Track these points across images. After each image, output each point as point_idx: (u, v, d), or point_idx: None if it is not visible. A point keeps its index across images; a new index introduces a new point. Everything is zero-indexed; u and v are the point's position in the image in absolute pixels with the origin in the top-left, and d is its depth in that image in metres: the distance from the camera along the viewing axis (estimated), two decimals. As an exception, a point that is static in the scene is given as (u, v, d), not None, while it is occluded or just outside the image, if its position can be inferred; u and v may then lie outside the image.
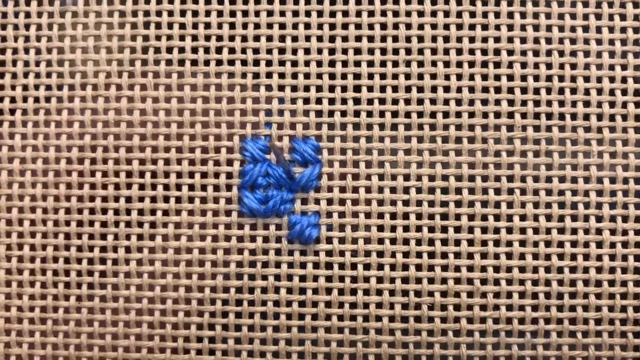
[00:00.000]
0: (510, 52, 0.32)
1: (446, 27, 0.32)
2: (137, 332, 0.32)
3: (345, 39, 0.32)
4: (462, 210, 0.31)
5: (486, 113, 0.32)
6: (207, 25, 0.33)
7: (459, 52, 0.32)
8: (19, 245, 0.33)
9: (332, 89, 0.32)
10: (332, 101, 0.32)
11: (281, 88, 0.32)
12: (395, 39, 0.32)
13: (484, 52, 0.32)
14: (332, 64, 0.32)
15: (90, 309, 0.32)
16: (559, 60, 0.32)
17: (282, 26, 0.32)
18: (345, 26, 0.32)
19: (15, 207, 0.33)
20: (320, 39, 0.32)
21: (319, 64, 0.32)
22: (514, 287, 0.31)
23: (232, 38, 0.32)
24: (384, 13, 0.32)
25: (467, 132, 0.32)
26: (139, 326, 0.32)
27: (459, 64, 0.32)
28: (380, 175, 0.32)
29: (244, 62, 0.32)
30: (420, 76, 0.32)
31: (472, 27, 0.32)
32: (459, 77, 0.32)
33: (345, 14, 0.32)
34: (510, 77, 0.32)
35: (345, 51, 0.32)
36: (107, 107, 0.33)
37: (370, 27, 0.32)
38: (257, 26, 0.32)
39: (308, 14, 0.32)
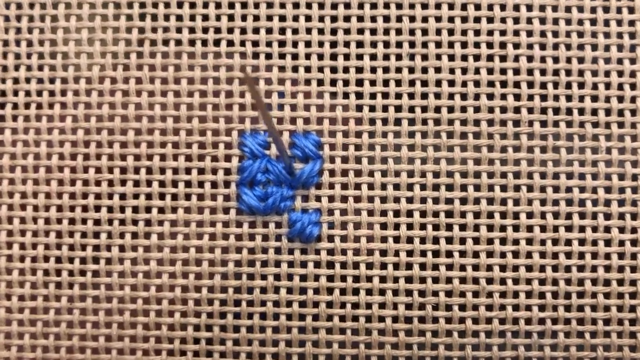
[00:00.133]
0: (517, 46, 0.31)
1: (451, 19, 0.31)
2: (131, 333, 0.31)
3: (347, 31, 0.31)
4: (468, 208, 0.31)
5: (492, 108, 0.31)
6: (205, 17, 0.32)
7: (464, 45, 0.31)
8: (8, 243, 0.31)
9: (333, 82, 0.31)
10: (333, 95, 0.31)
11: (281, 82, 0.31)
12: (399, 31, 0.31)
13: (490, 45, 0.31)
14: (333, 57, 0.31)
15: (83, 310, 0.31)
16: (566, 54, 0.31)
17: (282, 18, 0.31)
18: (347, 18, 0.31)
19: (4, 204, 0.31)
20: (321, 31, 0.31)
21: (320, 57, 0.31)
22: (521, 287, 0.30)
23: (230, 30, 0.32)
24: (387, 5, 0.31)
25: (472, 127, 0.31)
26: (134, 327, 0.31)
27: (464, 58, 0.31)
28: (383, 171, 0.31)
29: (242, 55, 0.31)
30: (425, 70, 0.31)
31: (477, 19, 0.31)
32: (464, 70, 0.31)
33: (348, 6, 0.31)
34: (517, 71, 0.31)
35: (347, 44, 0.31)
36: (101, 101, 0.32)
37: (373, 19, 0.31)
38: (256, 18, 0.32)
39: (309, 6, 0.31)
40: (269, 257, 0.31)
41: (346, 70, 0.31)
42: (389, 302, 0.30)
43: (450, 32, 0.31)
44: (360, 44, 0.31)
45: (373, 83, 0.31)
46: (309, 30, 0.31)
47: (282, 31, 0.32)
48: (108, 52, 0.32)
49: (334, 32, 0.31)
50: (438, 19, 0.31)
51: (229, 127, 0.31)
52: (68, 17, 0.32)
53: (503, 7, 0.31)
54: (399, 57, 0.31)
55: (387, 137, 0.31)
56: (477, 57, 0.31)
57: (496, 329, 0.30)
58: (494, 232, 0.31)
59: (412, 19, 0.31)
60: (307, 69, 0.31)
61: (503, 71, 0.31)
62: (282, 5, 0.32)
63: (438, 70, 0.31)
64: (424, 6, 0.31)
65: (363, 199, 0.31)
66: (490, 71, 0.31)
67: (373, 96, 0.31)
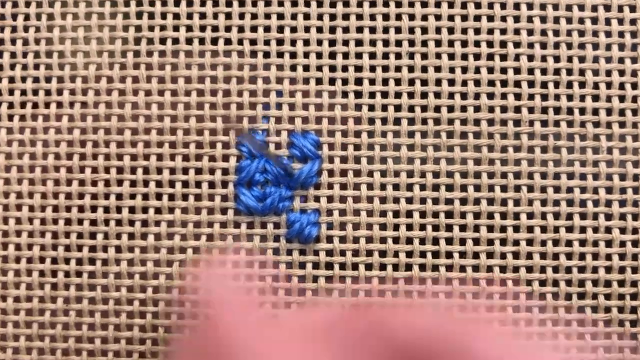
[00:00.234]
0: (517, 45, 0.31)
1: (450, 18, 0.31)
2: (128, 335, 0.31)
3: (346, 30, 0.31)
4: (468, 208, 0.30)
5: (492, 107, 0.31)
6: (202, 16, 0.31)
7: (464, 44, 0.31)
8: (4, 244, 0.31)
9: (332, 81, 0.31)
10: (332, 94, 0.31)
11: (279, 80, 0.31)
12: (398, 30, 0.31)
13: (490, 44, 0.31)
14: (332, 56, 0.31)
15: (79, 312, 0.31)
16: (567, 53, 0.31)
17: (281, 16, 0.31)
18: (346, 17, 0.31)
19: (0, 204, 0.31)
20: (320, 30, 0.31)
21: (319, 55, 0.31)
22: (521, 288, 0.30)
23: (228, 29, 0.31)
24: (386, 3, 0.31)
25: (472, 126, 0.31)
26: (130, 329, 0.31)
27: (464, 57, 0.31)
28: (382, 171, 0.30)
29: (240, 54, 0.31)
30: (424, 69, 0.31)
31: (477, 18, 0.31)
32: (464, 70, 0.31)
33: (347, 4, 0.31)
34: (517, 70, 0.31)
35: (346, 43, 0.31)
36: (98, 100, 0.31)
37: (372, 17, 0.31)
38: (254, 16, 0.31)
39: (307, 4, 0.31)
40: (267, 258, 0.30)
41: (345, 69, 0.31)
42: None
43: (450, 30, 0.31)
44: (359, 43, 0.31)
45: (372, 82, 0.31)
46: (307, 29, 0.31)
47: (281, 29, 0.31)
48: (104, 51, 0.32)
49: (332, 30, 0.31)
50: (438, 17, 0.31)
51: (227, 126, 0.31)
52: (64, 15, 0.32)
53: (503, 6, 0.31)
54: (398, 56, 0.31)
55: (387, 136, 0.31)
56: (477, 56, 0.31)
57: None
58: (494, 232, 0.30)
59: (412, 17, 0.31)
60: (306, 68, 0.31)
61: (503, 70, 0.31)
62: (280, 4, 0.31)
63: (438, 69, 0.31)
64: (424, 4, 0.31)
65: (362, 199, 0.30)
66: (490, 70, 0.31)
67: (372, 95, 0.31)
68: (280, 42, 0.31)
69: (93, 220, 0.31)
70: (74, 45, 0.32)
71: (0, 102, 0.32)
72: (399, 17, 0.31)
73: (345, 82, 0.31)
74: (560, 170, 0.30)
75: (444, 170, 0.30)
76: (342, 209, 0.30)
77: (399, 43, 0.31)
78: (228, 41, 0.31)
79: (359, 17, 0.31)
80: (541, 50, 0.31)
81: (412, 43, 0.31)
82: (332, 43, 0.31)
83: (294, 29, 0.31)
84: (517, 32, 0.31)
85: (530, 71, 0.31)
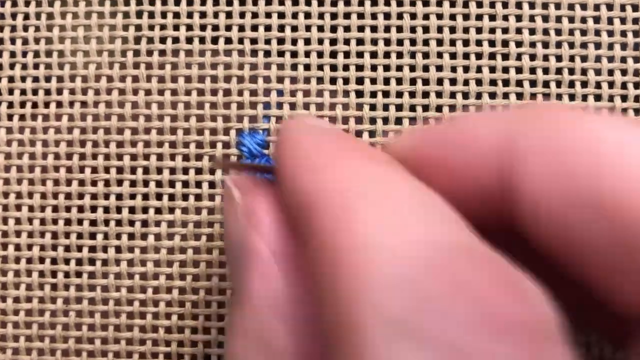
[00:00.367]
0: (519, 44, 0.31)
1: (452, 17, 0.31)
2: (128, 336, 0.30)
3: (347, 29, 0.31)
4: (470, 208, 0.30)
5: (494, 106, 0.30)
6: (203, 15, 0.31)
7: (466, 43, 0.31)
8: (3, 244, 0.31)
9: (333, 81, 0.31)
10: (333, 94, 0.31)
11: (280, 80, 0.31)
12: (400, 29, 0.31)
13: (492, 43, 0.31)
14: (333, 55, 0.31)
15: (79, 312, 0.31)
16: (569, 52, 0.31)
17: (281, 15, 0.31)
18: (347, 15, 0.31)
19: (-1, 204, 0.31)
20: (321, 28, 0.31)
21: (320, 54, 0.31)
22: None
23: (229, 28, 0.31)
24: (387, 2, 0.31)
25: (474, 126, 0.30)
26: (130, 330, 0.31)
27: (466, 56, 0.31)
28: (383, 171, 0.30)
29: (241, 53, 0.31)
30: (426, 68, 0.31)
31: (479, 17, 0.31)
32: (466, 69, 0.31)
33: (348, 3, 0.31)
34: (519, 70, 0.31)
35: (347, 42, 0.31)
36: (98, 100, 0.31)
37: (374, 16, 0.31)
38: (255, 15, 0.31)
39: (308, 2, 0.31)
40: (267, 258, 0.30)
41: (346, 68, 0.31)
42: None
43: (452, 29, 0.31)
44: (360, 42, 0.31)
45: (374, 81, 0.31)
46: (308, 28, 0.31)
47: (281, 28, 0.31)
48: (104, 50, 0.31)
49: (333, 29, 0.31)
50: (439, 16, 0.31)
51: (227, 126, 0.31)
52: (64, 14, 0.32)
53: (505, 5, 0.31)
54: (399, 55, 0.31)
55: (388, 135, 0.30)
56: (479, 55, 0.31)
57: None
58: (496, 232, 0.30)
59: (413, 16, 0.31)
60: (307, 67, 0.31)
61: (505, 69, 0.31)
62: (281, 2, 0.31)
63: (439, 68, 0.31)
64: (425, 3, 0.31)
65: (363, 199, 0.30)
66: (492, 69, 0.31)
67: (374, 94, 0.31)
68: (281, 41, 0.31)
69: (93, 221, 0.31)
70: (74, 44, 0.32)
71: (-1, 101, 0.31)
72: (400, 16, 0.31)
73: (346, 81, 0.31)
74: (562, 170, 0.30)
75: (445, 170, 0.30)
76: (343, 209, 0.30)
77: (400, 42, 0.31)
78: (229, 40, 0.31)
79: (360, 16, 0.31)
80: (543, 50, 0.31)
81: (413, 42, 0.31)
82: (333, 42, 0.31)
83: (294, 28, 0.31)
84: (519, 31, 0.31)
85: (532, 70, 0.31)
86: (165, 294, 0.30)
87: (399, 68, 0.31)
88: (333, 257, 0.17)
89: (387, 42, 0.31)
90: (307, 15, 0.31)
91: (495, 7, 0.31)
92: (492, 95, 0.30)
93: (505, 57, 0.31)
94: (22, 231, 0.31)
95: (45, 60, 0.31)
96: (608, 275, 0.17)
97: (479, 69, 0.31)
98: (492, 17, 0.31)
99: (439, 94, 0.31)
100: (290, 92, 0.31)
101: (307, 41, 0.31)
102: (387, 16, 0.31)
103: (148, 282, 0.30)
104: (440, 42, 0.31)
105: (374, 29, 0.31)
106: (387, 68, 0.31)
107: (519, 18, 0.31)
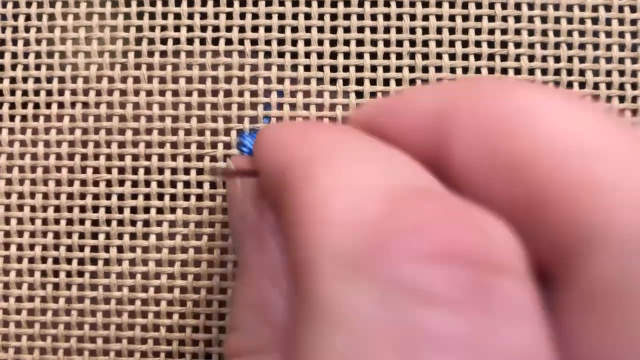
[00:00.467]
0: (518, 45, 0.31)
1: (452, 18, 0.31)
2: (129, 335, 0.31)
3: (347, 29, 0.31)
4: (469, 208, 0.30)
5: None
6: (203, 16, 0.31)
7: (465, 44, 0.31)
8: (6, 244, 0.31)
9: (333, 81, 0.31)
10: (333, 94, 0.31)
11: (280, 81, 0.31)
12: (399, 30, 0.31)
13: (491, 44, 0.31)
14: (333, 56, 0.31)
15: (81, 312, 0.31)
16: (568, 53, 0.31)
17: (282, 16, 0.31)
18: (347, 16, 0.31)
19: (1, 204, 0.31)
20: (321, 29, 0.31)
21: (320, 55, 0.31)
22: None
23: (229, 29, 0.31)
24: (387, 3, 0.31)
25: (473, 126, 0.31)
26: (132, 329, 0.31)
27: (465, 57, 0.31)
28: (383, 171, 0.30)
29: (241, 54, 0.31)
30: (425, 69, 0.31)
31: (478, 18, 0.31)
32: (465, 70, 0.31)
33: (348, 4, 0.31)
34: (518, 71, 0.31)
35: (347, 42, 0.31)
36: (99, 101, 0.31)
37: (374, 17, 0.31)
38: (255, 16, 0.31)
39: (308, 3, 0.31)
40: (268, 258, 0.30)
41: (346, 69, 0.31)
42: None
43: (451, 30, 0.31)
44: (360, 42, 0.31)
45: (373, 82, 0.31)
46: (308, 29, 0.31)
47: (282, 29, 0.31)
48: (106, 51, 0.32)
49: (333, 30, 0.31)
50: (439, 17, 0.31)
51: (228, 126, 0.31)
52: (65, 15, 0.32)
53: (504, 6, 0.31)
54: (399, 56, 0.31)
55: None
56: (478, 56, 0.31)
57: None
58: (495, 232, 0.30)
59: (413, 17, 0.31)
60: (307, 68, 0.31)
61: (504, 70, 0.31)
62: (282, 3, 0.31)
63: (439, 69, 0.31)
64: (425, 4, 0.31)
65: (363, 199, 0.30)
66: (491, 70, 0.31)
67: (373, 95, 0.31)
68: (281, 42, 0.31)
69: (95, 221, 0.31)
70: (75, 45, 0.32)
71: (1, 102, 0.32)
72: (400, 17, 0.31)
73: (346, 82, 0.31)
74: (560, 170, 0.30)
75: (445, 170, 0.30)
76: (343, 209, 0.30)
77: (400, 43, 0.31)
78: (229, 41, 0.31)
79: (360, 17, 0.31)
80: (542, 51, 0.31)
81: (413, 43, 0.31)
82: (333, 43, 0.31)
83: (295, 29, 0.31)
84: (518, 32, 0.31)
85: (531, 71, 0.31)
86: (167, 293, 0.31)
87: (399, 69, 0.31)
88: (298, 210, 0.17)
89: (387, 43, 0.31)
90: (307, 16, 0.31)
91: (494, 8, 0.31)
92: (491, 96, 0.31)
93: (504, 58, 0.31)
94: (24, 231, 0.31)
95: (46, 61, 0.32)
96: (529, 234, 0.17)
97: (477, 70, 0.31)
98: (491, 18, 0.31)
99: (438, 95, 0.31)
100: (291, 93, 0.31)
101: (307, 42, 0.31)
102: (386, 17, 0.31)
103: (150, 282, 0.31)
104: (439, 43, 0.31)
105: (373, 30, 0.31)
106: (386, 69, 0.31)
107: (517, 19, 0.31)
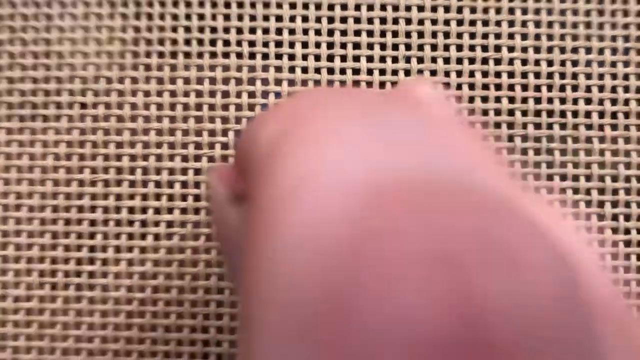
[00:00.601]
0: (511, 49, 0.31)
1: (446, 22, 0.31)
2: (127, 335, 0.31)
3: (344, 33, 0.31)
4: (463, 209, 0.31)
5: (486, 110, 0.31)
6: (201, 17, 0.32)
7: (459, 48, 0.31)
8: (3, 244, 0.31)
9: (330, 83, 0.31)
10: (330, 97, 0.31)
11: (278, 82, 0.31)
12: (395, 34, 0.31)
13: (484, 48, 0.31)
14: (330, 58, 0.31)
15: (79, 311, 0.31)
16: (561, 57, 0.31)
17: (279, 18, 0.31)
18: (344, 20, 0.31)
19: (-2, 204, 0.31)
20: (318, 32, 0.31)
21: (317, 58, 0.31)
22: (515, 287, 0.31)
23: (227, 30, 0.32)
24: (383, 7, 0.31)
25: (468, 129, 0.31)
26: (129, 329, 0.31)
27: (459, 61, 0.31)
28: (379, 172, 0.31)
29: (239, 55, 0.31)
30: (420, 72, 0.31)
31: (472, 22, 0.31)
32: (459, 73, 0.31)
33: (344, 7, 0.31)
34: (511, 74, 0.31)
35: (344, 45, 0.31)
36: (97, 101, 0.31)
37: (370, 21, 0.31)
38: (252, 18, 0.32)
39: (306, 6, 0.31)
40: (265, 258, 0.31)
41: (343, 71, 0.31)
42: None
43: (446, 34, 0.31)
44: (357, 45, 0.31)
45: (369, 85, 0.31)
46: (305, 31, 0.31)
47: (279, 31, 0.32)
48: (103, 52, 0.32)
49: (330, 32, 0.31)
50: (434, 22, 0.31)
51: (226, 127, 0.31)
52: (62, 16, 0.32)
53: (498, 11, 0.31)
54: (395, 60, 0.31)
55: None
56: (472, 60, 0.31)
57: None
58: (489, 233, 0.31)
59: (409, 21, 0.31)
60: (304, 70, 0.31)
61: (498, 74, 0.31)
62: (279, 6, 0.31)
63: (434, 73, 0.31)
64: (420, 9, 0.31)
65: (359, 200, 0.31)
66: (484, 74, 0.31)
67: (370, 98, 0.31)
68: (278, 44, 0.31)
69: (92, 221, 0.31)
70: (73, 46, 0.32)
71: (-2, 102, 0.32)
72: (396, 20, 0.31)
73: (343, 84, 0.31)
74: (553, 171, 0.31)
75: (440, 172, 0.31)
76: (340, 210, 0.31)
77: (395, 46, 0.31)
78: (227, 42, 0.32)
79: (357, 20, 0.31)
80: (535, 55, 0.31)
81: (408, 47, 0.31)
82: (330, 45, 0.31)
83: (292, 31, 0.31)
84: (511, 36, 0.31)
85: (524, 75, 0.31)
86: (164, 294, 0.31)
87: (394, 72, 0.31)
88: (249, 229, 0.14)
89: (383, 46, 0.31)
90: (305, 19, 0.31)
91: (488, 13, 0.31)
92: (484, 99, 0.31)
93: (498, 61, 0.31)
94: (21, 231, 0.31)
95: (44, 61, 0.32)
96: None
97: (471, 74, 0.31)
98: (485, 23, 0.31)
99: (433, 98, 0.31)
100: (288, 95, 0.31)
101: (305, 44, 0.31)
102: (383, 21, 0.31)
103: (147, 282, 0.31)
104: (434, 47, 0.31)
105: (370, 33, 0.31)
106: (382, 72, 0.31)
107: (511, 23, 0.31)
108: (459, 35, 0.31)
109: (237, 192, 0.19)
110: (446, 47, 0.31)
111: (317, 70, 0.31)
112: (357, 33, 0.31)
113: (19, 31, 0.32)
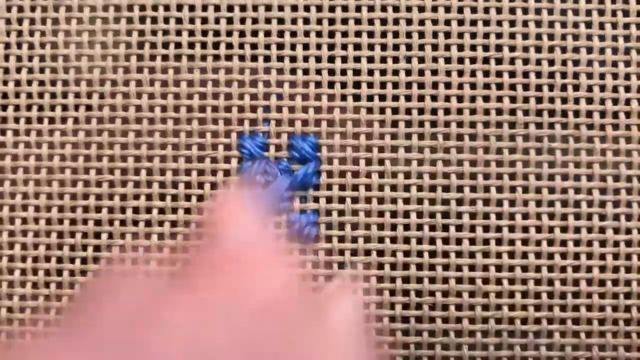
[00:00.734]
0: (512, 49, 0.31)
1: (447, 22, 0.32)
2: (131, 333, 0.31)
3: (345, 34, 0.32)
4: (464, 209, 0.31)
5: (488, 110, 0.31)
6: (204, 20, 0.32)
7: (461, 48, 0.31)
8: (10, 244, 0.32)
9: (331, 85, 0.31)
10: (331, 97, 0.31)
11: (279, 84, 0.32)
12: (396, 34, 0.32)
13: (486, 48, 0.31)
14: (331, 59, 0.32)
15: (84, 310, 0.31)
16: (562, 57, 0.31)
17: (281, 21, 0.32)
18: (344, 21, 0.32)
19: (6, 205, 0.32)
20: (319, 34, 0.32)
21: (318, 59, 0.32)
22: (517, 287, 0.31)
23: (229, 33, 0.32)
24: (384, 8, 0.32)
25: (468, 129, 0.31)
26: (134, 327, 0.31)
27: (461, 60, 0.31)
28: (380, 172, 0.31)
29: (241, 58, 0.32)
30: (421, 72, 0.31)
31: (473, 22, 0.31)
32: (460, 73, 0.31)
33: (345, 9, 0.32)
34: (512, 74, 0.31)
35: (344, 47, 0.32)
36: (102, 104, 0.32)
37: (371, 22, 0.32)
38: (254, 21, 0.32)
39: (307, 8, 0.32)
40: (267, 258, 0.31)
41: (344, 72, 0.31)
42: (386, 302, 0.31)
43: (447, 34, 0.31)
44: (357, 47, 0.32)
45: (370, 85, 0.31)
46: (307, 33, 0.32)
47: (281, 34, 0.32)
48: (109, 55, 0.32)
49: (331, 34, 0.32)
50: (435, 22, 0.31)
51: (228, 128, 0.32)
52: (69, 20, 0.33)
53: (499, 10, 0.31)
54: (396, 60, 0.31)
55: (385, 138, 0.31)
56: (473, 60, 0.31)
57: (492, 328, 0.31)
58: (490, 232, 0.31)
59: (409, 21, 0.32)
60: (305, 71, 0.32)
61: (499, 73, 0.31)
62: (281, 8, 0.32)
63: (434, 72, 0.31)
64: (421, 9, 0.32)
65: (360, 199, 0.31)
66: (486, 73, 0.31)
67: (370, 98, 0.31)
68: (280, 46, 0.32)
69: (98, 221, 0.32)
70: (79, 49, 0.32)
71: (6, 105, 0.32)
72: (396, 22, 0.32)
73: (344, 85, 0.31)
74: (554, 171, 0.31)
75: (440, 172, 0.31)
76: (341, 210, 0.31)
77: (396, 47, 0.32)
78: (229, 45, 0.32)
79: (358, 21, 0.32)
80: (536, 54, 0.31)
81: (409, 47, 0.31)
82: (331, 47, 0.32)
83: (293, 34, 0.32)
84: (512, 36, 0.31)
85: (525, 74, 0.31)
86: (168, 292, 0.31)
87: (395, 72, 0.31)
88: None
89: (384, 47, 0.32)
90: (306, 21, 0.32)
91: (489, 13, 0.31)
92: (486, 99, 0.31)
93: (499, 61, 0.31)
94: (28, 231, 0.32)
95: (50, 64, 0.32)
96: None
97: (473, 73, 0.31)
98: (486, 23, 0.32)
99: (434, 98, 0.31)
100: (290, 96, 0.32)
101: (306, 46, 0.32)
102: (383, 22, 0.32)
103: (151, 281, 0.31)
104: (435, 47, 0.31)
105: (370, 34, 0.32)
106: (383, 72, 0.31)
107: (512, 23, 0.32)
108: (460, 35, 0.31)
109: None
110: (447, 47, 0.31)
111: (318, 72, 0.31)
112: (358, 34, 0.32)
113: (27, 34, 0.32)
